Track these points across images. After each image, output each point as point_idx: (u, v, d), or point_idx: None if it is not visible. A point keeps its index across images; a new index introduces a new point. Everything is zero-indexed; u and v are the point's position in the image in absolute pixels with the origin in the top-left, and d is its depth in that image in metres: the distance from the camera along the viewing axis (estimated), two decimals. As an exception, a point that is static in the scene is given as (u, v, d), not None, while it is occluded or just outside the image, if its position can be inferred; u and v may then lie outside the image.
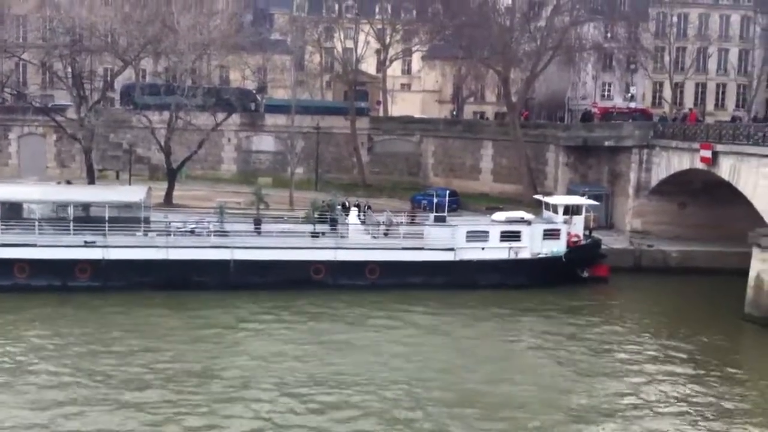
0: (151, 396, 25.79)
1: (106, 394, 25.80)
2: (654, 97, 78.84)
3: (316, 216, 42.89)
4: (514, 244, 41.35)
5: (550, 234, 42.00)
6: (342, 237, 41.22)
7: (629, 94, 70.93)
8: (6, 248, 37.46)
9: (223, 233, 40.75)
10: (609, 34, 71.58)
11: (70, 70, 54.44)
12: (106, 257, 37.98)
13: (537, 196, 47.69)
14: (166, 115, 56.01)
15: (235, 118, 63.52)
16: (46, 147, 63.94)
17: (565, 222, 42.48)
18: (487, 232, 41.59)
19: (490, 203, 55.30)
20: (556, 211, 43.14)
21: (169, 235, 39.83)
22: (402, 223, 43.06)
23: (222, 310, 35.37)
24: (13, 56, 62.27)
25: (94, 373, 27.49)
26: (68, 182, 52.53)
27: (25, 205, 40.12)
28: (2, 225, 38.24)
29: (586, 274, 42.80)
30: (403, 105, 79.68)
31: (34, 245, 37.88)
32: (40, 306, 34.88)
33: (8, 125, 63.93)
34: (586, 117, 62.25)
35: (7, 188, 44.21)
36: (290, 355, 30.03)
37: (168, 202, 52.00)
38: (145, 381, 26.99)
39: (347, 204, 45.60)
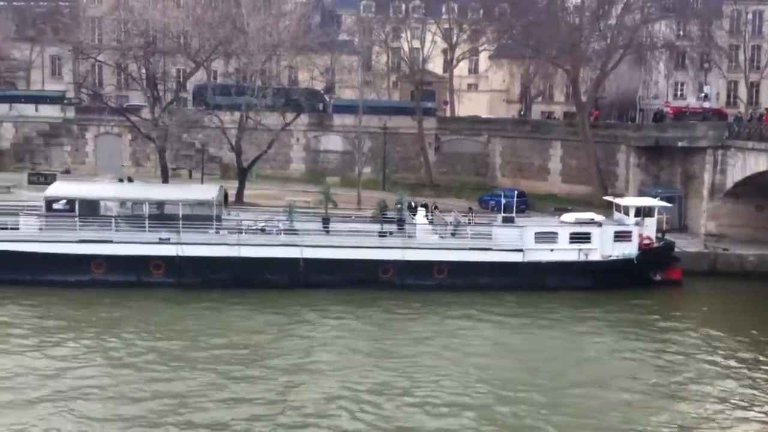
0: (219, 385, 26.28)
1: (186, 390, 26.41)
2: (729, 97, 76.66)
3: (383, 215, 43.08)
4: (584, 245, 40.83)
5: (621, 236, 41.33)
6: (410, 237, 41.28)
7: (703, 94, 69.22)
8: (84, 244, 38.61)
9: (293, 232, 41.24)
10: (681, 32, 69.99)
11: (144, 71, 55.78)
12: (180, 254, 38.80)
13: (607, 198, 47.01)
14: (237, 115, 56.97)
15: (304, 118, 64.19)
16: (122, 146, 65.70)
17: (637, 224, 41.75)
18: (556, 233, 41.15)
19: (558, 204, 54.72)
20: (627, 213, 42.43)
21: (241, 233, 40.47)
22: (470, 223, 42.93)
23: (292, 308, 35.80)
24: (89, 58, 64.04)
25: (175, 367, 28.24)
26: (129, 179, 53.79)
27: (102, 203, 41.24)
28: (80, 222, 39.40)
29: (658, 278, 41.97)
30: (470, 105, 79.39)
31: (111, 242, 38.97)
32: (117, 301, 35.90)
33: (85, 125, 65.88)
34: (659, 117, 61.02)
35: (85, 186, 45.57)
36: (363, 352, 30.30)
37: (239, 200, 52.87)
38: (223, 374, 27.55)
39: (413, 204, 45.72)
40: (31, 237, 38.88)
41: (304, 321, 34.26)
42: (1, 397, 25.22)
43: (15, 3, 73.05)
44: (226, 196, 47.01)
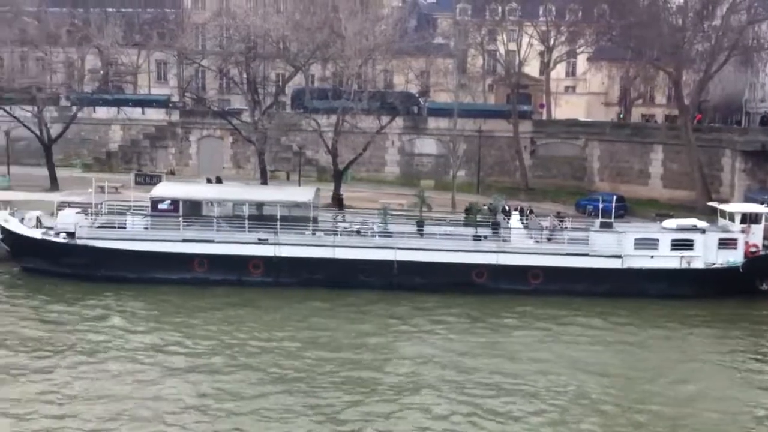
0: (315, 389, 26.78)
1: (273, 389, 27.06)
2: (842, 99, 73.06)
3: (477, 219, 42.90)
4: (687, 252, 39.68)
5: (726, 243, 39.99)
6: (504, 241, 41.00)
7: (815, 96, 66.12)
8: (187, 244, 39.96)
9: (387, 234, 41.55)
10: (791, 33, 66.98)
11: (245, 75, 57.13)
12: (278, 254, 39.66)
13: (711, 204, 45.51)
14: (333, 118, 57.74)
15: (399, 122, 64.57)
16: (223, 149, 67.60)
17: (743, 231, 40.29)
18: (657, 239, 40.11)
19: (659, 210, 53.15)
20: (732, 219, 40.99)
21: (336, 234, 41.05)
22: (567, 228, 42.28)
23: (386, 309, 36.12)
24: (193, 63, 66.15)
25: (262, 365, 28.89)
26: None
27: (204, 204, 42.60)
28: (184, 222, 40.79)
29: (765, 287, 40.33)
30: (567, 108, 78.15)
31: (212, 241, 40.17)
32: (219, 298, 37.04)
33: (189, 128, 68.11)
34: (766, 121, 58.56)
35: (189, 187, 47.12)
36: (457, 351, 30.46)
37: (335, 202, 53.52)
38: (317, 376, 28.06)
39: (507, 208, 45.35)
40: (138, 236, 40.51)
41: (389, 323, 34.43)
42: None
43: (123, 10, 76.05)
44: (341, 201, 47.73)
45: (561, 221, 44.07)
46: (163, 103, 70.25)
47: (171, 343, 31.06)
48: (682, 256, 39.64)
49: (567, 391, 27.19)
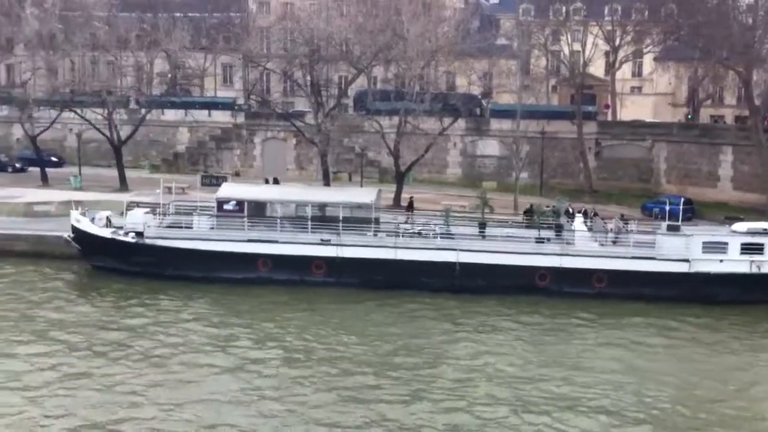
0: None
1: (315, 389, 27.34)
2: None
3: (540, 221, 42.53)
4: (757, 257, 38.65)
5: (798, 247, 38.77)
6: (567, 243, 40.55)
7: None
8: (252, 243, 40.56)
9: (449, 236, 41.49)
10: None
11: (308, 78, 57.77)
12: (340, 255, 39.96)
13: (784, 207, 44.23)
14: (395, 120, 57.93)
15: (461, 123, 64.39)
16: (287, 150, 68.36)
17: (815, 235, 39.00)
18: (727, 243, 39.15)
19: (729, 213, 51.98)
20: (806, 223, 39.74)
21: (398, 235, 41.15)
22: (632, 231, 41.58)
23: (447, 312, 36.08)
24: (258, 66, 67.02)
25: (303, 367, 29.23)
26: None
27: (268, 205, 43.19)
28: (248, 222, 41.39)
29: (837, 292, 39.02)
30: (633, 108, 76.81)
31: (276, 242, 40.68)
32: (282, 297, 37.60)
33: (254, 130, 69.06)
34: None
35: (254, 188, 47.79)
36: (521, 358, 30.11)
37: (396, 204, 53.75)
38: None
39: (570, 210, 44.81)
40: (204, 235, 41.30)
41: (448, 328, 34.32)
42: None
43: (190, 15, 77.57)
44: (411, 203, 47.91)
45: (626, 224, 43.37)
46: (228, 105, 71.41)
47: (236, 342, 31.57)
48: (752, 261, 38.60)
49: (635, 396, 26.78)
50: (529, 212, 45.72)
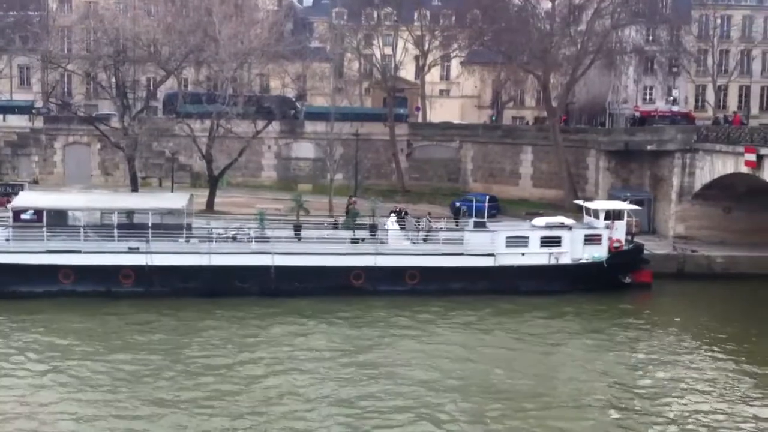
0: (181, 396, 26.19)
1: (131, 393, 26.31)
2: (697, 101, 77.71)
3: (355, 222, 43.05)
4: (555, 249, 41.02)
5: (591, 239, 41.58)
6: (381, 243, 41.28)
7: (671, 98, 69.97)
8: (52, 254, 38.17)
9: (264, 239, 41.07)
10: (651, 38, 70.69)
11: (113, 80, 55.32)
12: (150, 263, 38.46)
13: (578, 201, 47.35)
14: (207, 123, 56.70)
15: (275, 126, 64.09)
16: (91, 155, 65.12)
17: (607, 227, 41.99)
18: (527, 237, 41.31)
19: (530, 208, 54.93)
20: (597, 216, 42.72)
21: (211, 241, 40.23)
22: (442, 228, 42.97)
23: (262, 317, 35.62)
24: (58, 67, 63.36)
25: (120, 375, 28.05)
26: (122, 189, 53.28)
27: (70, 213, 40.83)
28: (48, 232, 38.93)
29: (628, 280, 42.26)
30: (442, 111, 79.51)
31: (79, 252, 38.53)
32: (84, 311, 35.53)
33: (54, 134, 65.26)
34: (639, 122, 61.78)
35: (53, 196, 45.07)
36: (329, 357, 30.27)
37: (209, 208, 52.58)
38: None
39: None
40: (-1, 248, 38.45)
41: (263, 331, 33.84)
42: None
43: (-18, 13, 72.17)
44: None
45: (432, 221, 44.73)
46: (25, 109, 67.03)
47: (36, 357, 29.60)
48: (550, 253, 40.92)
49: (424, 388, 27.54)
50: (350, 211, 45.97)
